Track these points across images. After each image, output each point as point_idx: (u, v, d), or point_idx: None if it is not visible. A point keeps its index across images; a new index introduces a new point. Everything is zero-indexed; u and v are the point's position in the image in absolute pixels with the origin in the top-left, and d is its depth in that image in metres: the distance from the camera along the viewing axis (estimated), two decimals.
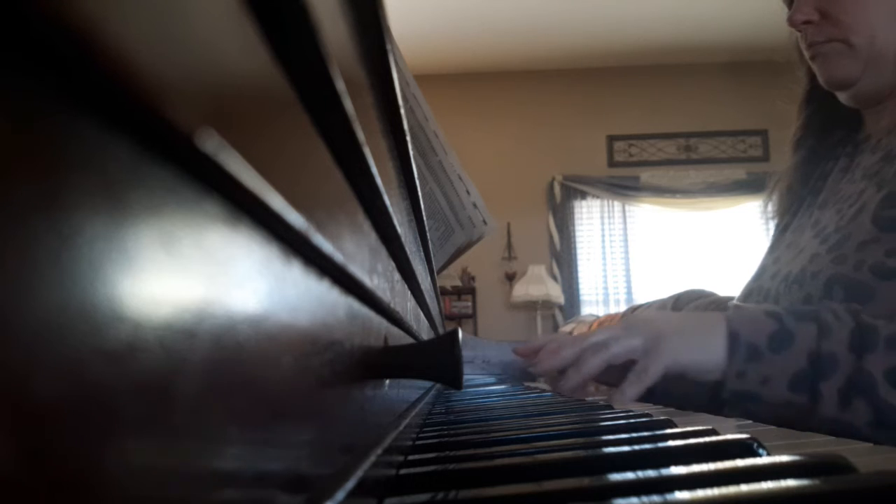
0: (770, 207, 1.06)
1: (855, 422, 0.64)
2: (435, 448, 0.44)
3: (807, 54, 0.94)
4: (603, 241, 5.00)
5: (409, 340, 0.50)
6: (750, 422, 0.65)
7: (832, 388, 0.65)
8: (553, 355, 0.78)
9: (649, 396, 0.76)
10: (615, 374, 0.76)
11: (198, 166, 0.11)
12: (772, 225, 1.06)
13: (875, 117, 0.93)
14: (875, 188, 0.81)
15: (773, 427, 0.53)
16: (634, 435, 0.41)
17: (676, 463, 0.31)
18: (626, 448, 0.35)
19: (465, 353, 1.12)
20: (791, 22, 0.93)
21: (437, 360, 0.36)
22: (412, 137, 0.69)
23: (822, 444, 0.41)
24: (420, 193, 0.57)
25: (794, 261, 0.86)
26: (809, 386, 0.66)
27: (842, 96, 0.94)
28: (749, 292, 0.94)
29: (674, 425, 0.46)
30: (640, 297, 4.61)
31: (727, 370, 0.70)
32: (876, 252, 0.74)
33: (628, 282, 4.96)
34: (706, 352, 0.71)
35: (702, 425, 0.43)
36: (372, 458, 0.26)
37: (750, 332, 0.70)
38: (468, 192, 1.06)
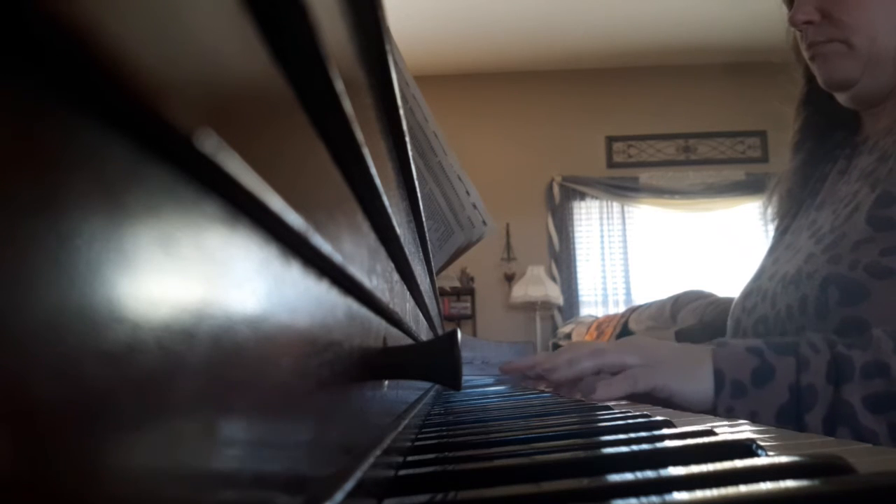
0: (770, 210, 1.06)
1: None
2: (434, 449, 0.44)
3: (806, 55, 0.94)
4: (602, 242, 4.99)
5: (408, 341, 0.50)
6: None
7: (816, 418, 0.67)
8: (552, 371, 0.83)
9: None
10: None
11: (196, 167, 0.11)
12: (771, 227, 1.07)
13: (873, 119, 0.93)
14: (869, 188, 0.81)
15: (772, 427, 0.53)
16: (633, 436, 0.41)
17: (675, 463, 0.31)
18: (624, 449, 0.35)
19: (465, 354, 1.12)
20: (792, 21, 0.93)
21: (437, 361, 0.36)
22: (411, 138, 0.69)
23: (822, 445, 0.41)
24: (419, 194, 0.57)
25: (790, 261, 0.86)
26: (795, 418, 0.69)
27: (840, 97, 0.94)
28: (748, 293, 0.95)
29: (672, 426, 0.46)
30: (639, 298, 4.60)
31: (717, 406, 0.72)
32: (871, 251, 0.75)
33: (627, 283, 4.95)
34: (694, 385, 0.73)
35: (700, 426, 0.43)
36: (371, 459, 0.26)
37: (734, 370, 0.72)
38: (468, 193, 1.06)
